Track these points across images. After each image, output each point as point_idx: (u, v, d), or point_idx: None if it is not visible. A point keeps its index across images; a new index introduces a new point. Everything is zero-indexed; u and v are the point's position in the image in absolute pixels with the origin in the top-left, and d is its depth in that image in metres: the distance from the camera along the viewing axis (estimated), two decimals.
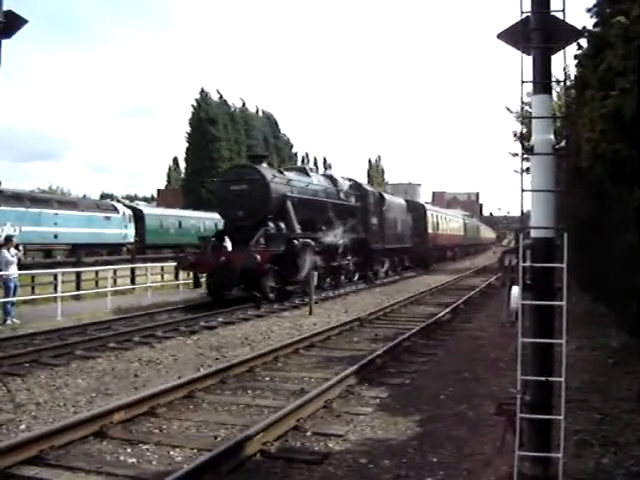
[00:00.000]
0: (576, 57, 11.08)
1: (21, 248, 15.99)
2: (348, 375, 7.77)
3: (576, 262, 15.60)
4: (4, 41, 5.17)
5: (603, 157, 8.40)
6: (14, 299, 14.42)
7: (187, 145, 63.00)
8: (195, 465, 4.73)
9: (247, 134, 64.23)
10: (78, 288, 18.19)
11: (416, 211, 34.56)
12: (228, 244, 16.91)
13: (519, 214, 4.22)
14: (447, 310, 14.70)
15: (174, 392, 7.10)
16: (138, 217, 38.81)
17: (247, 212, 17.19)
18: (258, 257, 15.37)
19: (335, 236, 20.32)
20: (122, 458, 5.28)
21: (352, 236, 21.75)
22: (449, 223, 45.47)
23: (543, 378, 3.70)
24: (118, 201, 43.60)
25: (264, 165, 18.57)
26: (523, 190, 3.82)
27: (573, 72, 13.59)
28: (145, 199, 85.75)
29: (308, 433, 5.88)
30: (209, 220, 41.49)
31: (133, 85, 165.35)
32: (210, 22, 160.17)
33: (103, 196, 79.41)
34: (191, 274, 19.36)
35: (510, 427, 4.04)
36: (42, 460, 5.12)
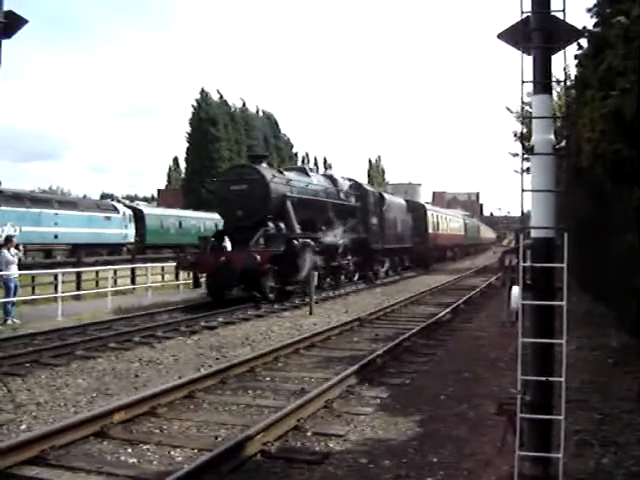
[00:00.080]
0: (576, 57, 11.09)
1: (21, 247, 15.98)
2: (348, 375, 7.77)
3: (576, 262, 15.60)
4: (4, 41, 5.17)
5: (603, 157, 8.40)
6: (14, 299, 14.42)
7: (187, 145, 63.02)
8: (196, 465, 4.73)
9: (247, 134, 64.23)
10: (78, 288, 18.20)
11: (416, 211, 34.55)
12: (228, 244, 16.92)
13: (519, 214, 4.22)
14: (447, 310, 14.70)
15: (174, 392, 7.11)
16: (138, 217, 38.82)
17: (247, 212, 17.16)
18: (258, 257, 15.36)
19: (335, 236, 20.31)
20: (123, 458, 5.29)
21: (352, 236, 21.74)
22: (449, 223, 45.47)
23: (543, 378, 3.70)
24: (118, 201, 43.63)
25: (264, 165, 18.55)
26: (523, 190, 3.83)
27: (573, 72, 13.60)
28: (145, 199, 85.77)
29: (308, 433, 5.88)
30: (209, 220, 41.49)
31: (133, 85, 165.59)
32: (210, 22, 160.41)
33: (103, 196, 79.45)
34: (191, 274, 19.34)
35: (510, 427, 4.04)
36: (43, 460, 5.12)
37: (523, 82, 3.84)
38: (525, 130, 23.26)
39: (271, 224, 17.29)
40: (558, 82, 5.16)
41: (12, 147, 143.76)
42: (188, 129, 62.72)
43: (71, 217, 31.03)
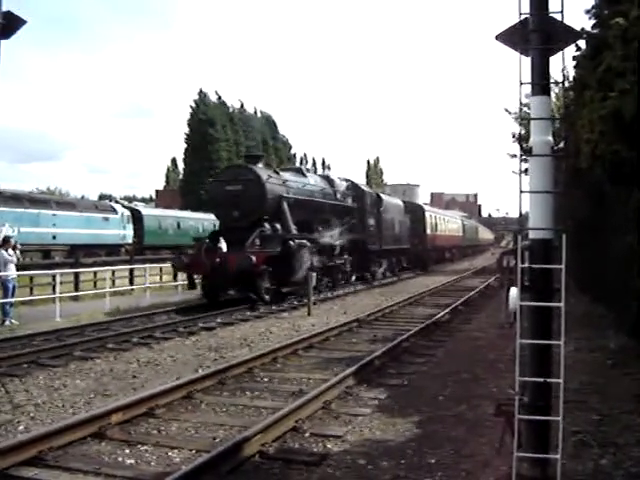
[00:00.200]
0: (574, 58, 11.11)
1: (19, 245, 15.94)
2: (347, 376, 7.76)
3: (575, 263, 15.63)
4: (3, 42, 5.16)
5: (602, 158, 8.42)
6: (12, 300, 14.41)
7: (186, 146, 63.04)
8: (194, 466, 4.72)
9: (246, 135, 64.27)
10: (77, 289, 18.19)
11: (414, 212, 34.55)
12: (223, 245, 16.82)
13: (518, 215, 4.22)
14: (446, 311, 14.70)
15: (173, 393, 7.09)
16: (136, 218, 38.79)
17: (242, 213, 17.08)
18: (253, 258, 15.28)
19: (332, 237, 20.21)
20: (120, 459, 5.28)
21: (349, 237, 21.64)
22: (447, 224, 45.50)
23: (541, 379, 3.70)
24: (116, 202, 43.59)
25: (260, 165, 18.41)
26: (522, 191, 3.83)
27: (572, 73, 13.62)
28: (143, 200, 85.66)
29: (307, 434, 5.87)
30: (207, 221, 41.42)
31: (132, 86, 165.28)
32: (209, 22, 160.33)
33: (101, 197, 79.21)
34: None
35: (509, 428, 4.04)
36: (41, 461, 5.11)
37: (521, 83, 3.85)
38: (523, 131, 23.30)
39: (267, 225, 17.21)
40: (557, 83, 5.17)
41: (11, 148, 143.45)
42: (186, 130, 62.77)
43: (69, 218, 31.00)
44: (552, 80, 4.06)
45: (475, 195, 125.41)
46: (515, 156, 26.77)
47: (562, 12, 3.81)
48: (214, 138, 59.88)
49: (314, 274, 16.93)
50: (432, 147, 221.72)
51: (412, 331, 11.43)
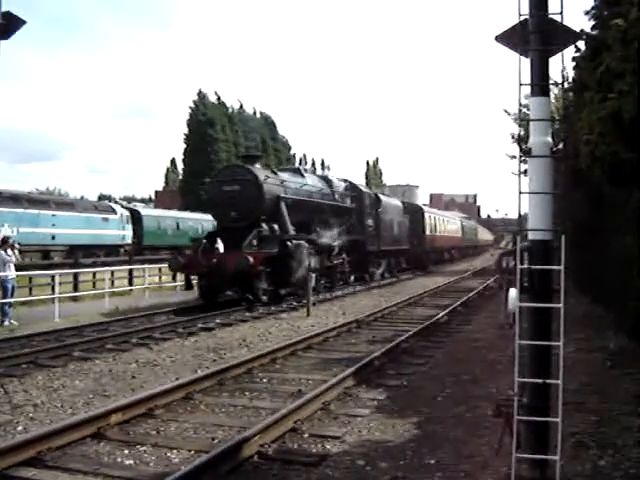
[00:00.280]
0: (574, 59, 11.12)
1: (17, 245, 15.92)
2: (346, 377, 7.76)
3: (574, 264, 15.63)
4: (2, 42, 5.16)
5: (601, 159, 8.43)
6: (11, 300, 14.40)
7: (185, 146, 63.00)
8: (193, 467, 4.72)
9: (245, 135, 64.23)
10: (76, 289, 18.19)
11: (413, 213, 34.55)
12: (220, 246, 16.76)
13: (517, 216, 4.22)
14: (445, 312, 14.70)
15: (172, 394, 7.09)
16: (136, 218, 38.75)
17: (240, 213, 17.01)
18: (251, 259, 15.22)
19: (330, 238, 20.15)
20: (119, 460, 5.28)
21: (347, 238, 21.60)
22: (447, 225, 45.53)
23: (540, 380, 3.71)
24: (116, 202, 43.59)
25: (257, 165, 18.31)
26: (521, 192, 3.83)
27: (571, 74, 13.63)
28: (143, 200, 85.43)
29: (305, 435, 5.87)
30: (207, 222, 41.36)
31: (132, 86, 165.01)
32: (209, 23, 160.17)
33: (101, 197, 79.17)
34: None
35: (508, 429, 4.04)
36: (40, 461, 5.11)
37: (521, 84, 3.85)
38: (523, 132, 23.29)
39: (265, 225, 17.14)
40: (556, 84, 5.17)
41: (10, 148, 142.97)
42: (186, 130, 62.73)
43: (69, 218, 30.97)
44: (551, 81, 4.07)
45: (474, 196, 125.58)
46: (514, 157, 26.82)
47: (562, 13, 3.82)
48: (213, 138, 59.84)
49: (314, 275, 16.90)
50: (431, 148, 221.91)
51: (411, 332, 11.42)
